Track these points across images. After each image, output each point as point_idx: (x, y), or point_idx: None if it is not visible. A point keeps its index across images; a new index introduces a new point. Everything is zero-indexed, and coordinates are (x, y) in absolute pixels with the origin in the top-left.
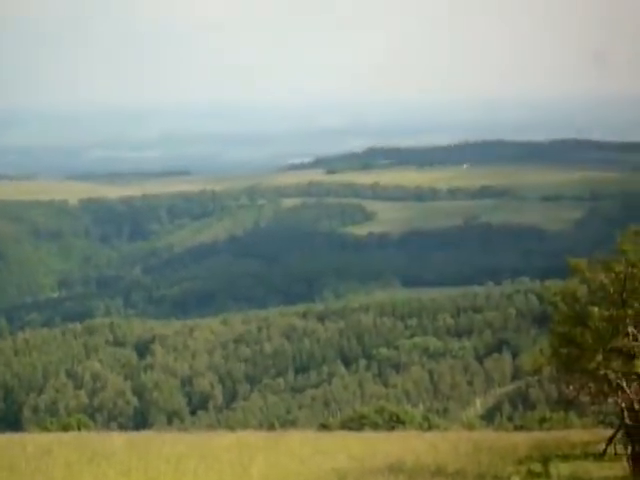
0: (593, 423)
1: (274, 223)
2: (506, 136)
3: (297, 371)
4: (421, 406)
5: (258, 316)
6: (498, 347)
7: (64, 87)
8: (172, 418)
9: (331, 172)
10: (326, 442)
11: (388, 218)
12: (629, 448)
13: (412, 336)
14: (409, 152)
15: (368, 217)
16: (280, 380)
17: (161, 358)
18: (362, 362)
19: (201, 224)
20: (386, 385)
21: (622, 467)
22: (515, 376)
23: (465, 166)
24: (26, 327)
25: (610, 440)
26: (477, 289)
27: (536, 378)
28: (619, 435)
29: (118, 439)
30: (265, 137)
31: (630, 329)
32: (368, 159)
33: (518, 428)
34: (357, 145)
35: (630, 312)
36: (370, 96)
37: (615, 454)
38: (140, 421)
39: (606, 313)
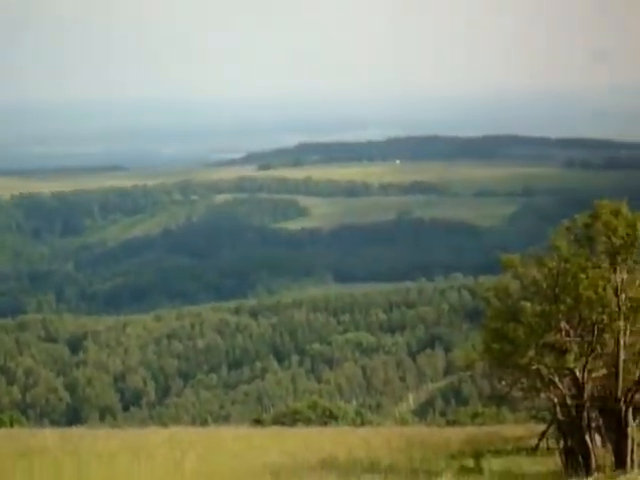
0: (525, 418)
1: (207, 219)
2: (441, 132)
3: (230, 367)
4: (354, 401)
5: (191, 312)
6: (431, 342)
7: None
8: (105, 414)
9: (263, 168)
10: (259, 438)
11: (321, 213)
12: (561, 443)
13: (345, 331)
14: (341, 147)
15: (301, 212)
16: (213, 376)
17: (94, 354)
18: (295, 358)
19: (134, 219)
20: (319, 381)
21: (554, 462)
22: (448, 371)
23: (398, 161)
24: None
25: (542, 435)
26: (410, 285)
27: (469, 373)
28: (551, 430)
29: (50, 435)
30: (199, 132)
31: (562, 324)
32: (300, 154)
33: (451, 423)
34: (290, 141)
35: (562, 307)
36: (304, 92)
37: (547, 449)
38: (73, 417)
39: (538, 308)
